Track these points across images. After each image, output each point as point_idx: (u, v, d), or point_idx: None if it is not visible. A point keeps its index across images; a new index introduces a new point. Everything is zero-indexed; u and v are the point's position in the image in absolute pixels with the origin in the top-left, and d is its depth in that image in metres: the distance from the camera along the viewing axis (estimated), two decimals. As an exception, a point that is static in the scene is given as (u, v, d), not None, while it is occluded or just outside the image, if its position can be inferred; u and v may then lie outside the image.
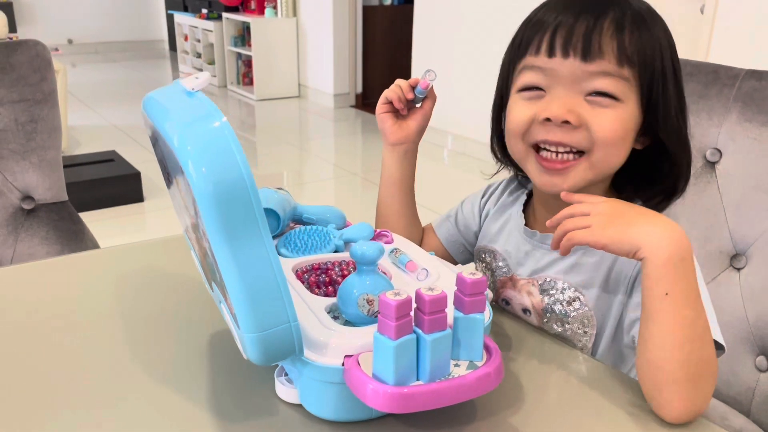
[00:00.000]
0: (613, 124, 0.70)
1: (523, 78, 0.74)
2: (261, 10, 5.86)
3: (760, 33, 2.64)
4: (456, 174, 3.89)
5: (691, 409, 0.61)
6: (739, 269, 1.05)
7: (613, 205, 0.66)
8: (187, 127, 0.50)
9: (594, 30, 0.69)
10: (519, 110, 0.75)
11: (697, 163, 1.09)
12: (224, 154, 0.48)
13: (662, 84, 0.72)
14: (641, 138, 0.75)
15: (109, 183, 3.18)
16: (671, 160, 0.76)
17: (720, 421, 1.01)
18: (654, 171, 0.77)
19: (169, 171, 0.61)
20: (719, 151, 1.07)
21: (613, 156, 0.72)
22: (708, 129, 1.08)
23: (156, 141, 0.62)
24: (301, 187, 3.75)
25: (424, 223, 0.97)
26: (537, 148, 0.75)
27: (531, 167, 0.76)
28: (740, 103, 1.05)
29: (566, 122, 0.70)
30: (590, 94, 0.71)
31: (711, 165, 1.08)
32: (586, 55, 0.69)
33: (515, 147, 0.77)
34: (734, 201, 1.05)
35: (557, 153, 0.73)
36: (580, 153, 0.73)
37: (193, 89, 0.54)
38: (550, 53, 0.71)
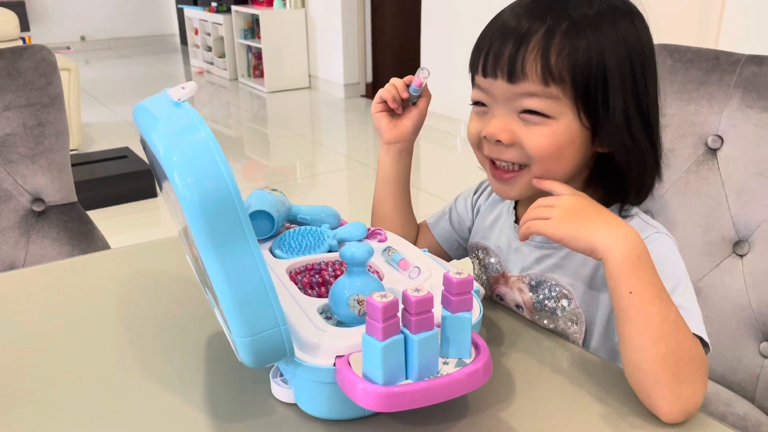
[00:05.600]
0: (543, 142, 0.72)
1: (473, 94, 0.77)
2: (270, 2, 5.86)
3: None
4: (469, 161, 3.87)
5: (681, 409, 0.61)
6: (742, 256, 1.05)
7: (575, 201, 0.68)
8: (172, 138, 0.51)
9: (519, 52, 0.70)
10: (471, 125, 0.78)
11: (698, 151, 1.09)
12: (209, 165, 0.49)
13: (603, 94, 0.71)
14: (601, 142, 0.74)
15: (123, 179, 3.21)
16: (620, 166, 0.75)
17: (724, 408, 1.01)
18: (611, 174, 0.77)
19: (159, 176, 0.62)
20: (721, 137, 1.07)
21: (553, 168, 0.74)
22: (709, 116, 1.08)
23: (145, 146, 0.64)
24: (313, 179, 3.76)
25: (419, 219, 0.98)
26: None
27: (488, 175, 0.80)
28: (741, 89, 1.05)
29: (499, 141, 0.73)
30: (523, 111, 0.72)
31: (713, 152, 1.08)
32: (511, 77, 0.71)
33: (476, 156, 0.81)
34: (736, 187, 1.05)
35: (504, 164, 0.76)
36: (525, 164, 0.75)
37: (179, 99, 0.55)
38: (484, 74, 0.74)
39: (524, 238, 0.70)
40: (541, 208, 0.69)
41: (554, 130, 0.71)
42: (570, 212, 0.67)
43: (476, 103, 0.77)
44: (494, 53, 0.72)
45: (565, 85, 0.70)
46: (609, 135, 0.72)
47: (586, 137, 0.73)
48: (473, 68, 0.76)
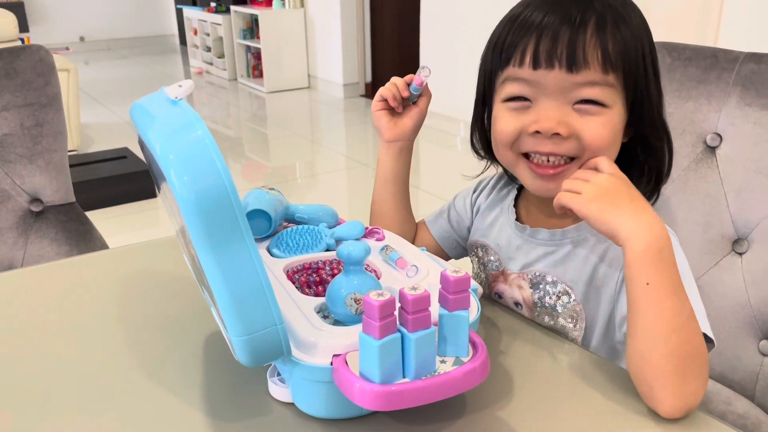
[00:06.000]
0: (602, 131, 0.71)
1: (508, 89, 0.74)
2: (269, 2, 5.85)
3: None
4: (469, 161, 3.87)
5: (682, 404, 0.61)
6: (741, 254, 1.05)
7: (611, 181, 0.67)
8: (169, 137, 0.51)
9: (578, 40, 0.68)
10: (506, 122, 0.74)
11: (697, 149, 1.09)
12: (205, 163, 0.49)
13: (645, 81, 0.72)
14: (636, 129, 0.76)
15: (122, 180, 3.21)
16: (652, 151, 0.76)
17: (724, 406, 1.01)
18: (636, 161, 0.78)
19: (156, 176, 0.62)
20: (719, 135, 1.07)
21: None
22: (708, 114, 1.08)
23: (143, 145, 0.63)
24: (313, 179, 3.76)
25: (418, 218, 0.97)
26: (526, 154, 0.75)
27: (522, 173, 0.77)
28: (740, 87, 1.04)
29: (556, 134, 0.71)
30: (578, 102, 0.71)
31: (711, 150, 1.07)
32: (572, 67, 0.69)
33: (504, 155, 0.77)
34: (735, 186, 1.05)
35: (548, 159, 0.73)
36: (572, 157, 0.73)
37: (176, 98, 0.55)
38: (535, 65, 0.70)
39: (558, 208, 0.69)
40: (577, 181, 0.68)
41: (609, 119, 0.71)
42: (602, 192, 0.65)
43: (514, 98, 0.74)
44: (548, 44, 0.69)
45: (618, 72, 0.70)
46: (647, 120, 0.73)
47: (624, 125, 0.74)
48: (509, 62, 0.72)
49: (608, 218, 0.64)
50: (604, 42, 0.69)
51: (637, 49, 0.71)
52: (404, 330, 0.53)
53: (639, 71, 0.72)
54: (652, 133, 0.75)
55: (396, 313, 0.53)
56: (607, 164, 0.69)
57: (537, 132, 0.72)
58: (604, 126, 0.71)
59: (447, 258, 0.95)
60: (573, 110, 0.71)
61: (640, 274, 0.62)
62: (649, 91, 0.73)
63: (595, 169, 0.70)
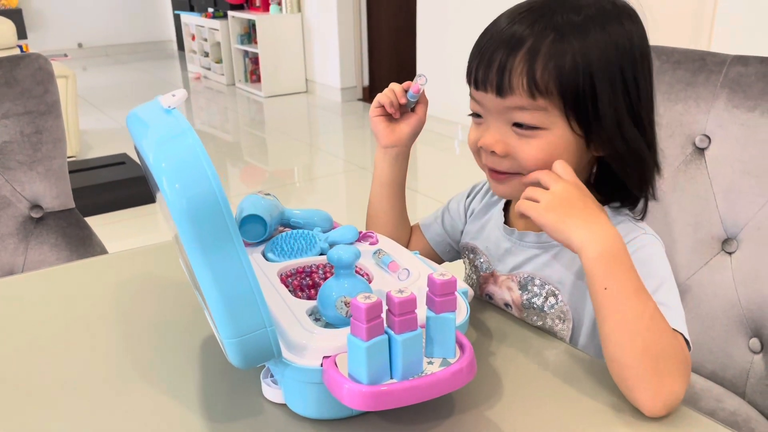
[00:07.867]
0: (537, 153, 0.73)
1: (470, 104, 0.79)
2: (266, 7, 5.88)
3: (763, 18, 2.61)
4: (467, 164, 3.89)
5: (662, 403, 0.62)
6: (730, 253, 1.06)
7: (567, 191, 0.69)
8: (161, 145, 0.53)
9: (506, 65, 0.71)
10: (471, 133, 0.79)
11: (686, 150, 1.10)
12: (196, 171, 0.51)
13: (592, 102, 0.71)
14: (596, 147, 0.75)
15: (121, 185, 3.23)
16: (623, 168, 0.75)
17: (715, 404, 1.02)
18: (612, 176, 0.77)
19: (152, 185, 0.63)
20: (708, 137, 1.08)
21: None
22: (696, 116, 1.09)
23: (139, 155, 0.65)
24: (312, 183, 3.78)
25: (415, 221, 0.99)
26: None
27: (487, 177, 0.81)
28: (727, 89, 1.06)
29: (494, 152, 0.75)
30: (514, 124, 0.73)
31: (700, 151, 1.09)
32: (500, 91, 0.72)
33: (476, 161, 0.82)
34: (724, 186, 1.06)
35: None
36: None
37: (169, 107, 0.57)
38: (476, 87, 0.75)
39: (518, 214, 0.72)
40: (537, 190, 0.70)
41: (547, 142, 0.72)
42: (558, 201, 0.68)
43: (474, 114, 0.78)
44: (484, 67, 0.73)
45: (552, 96, 0.70)
46: (602, 141, 0.73)
47: (581, 144, 0.74)
48: (467, 80, 0.77)
49: (562, 227, 0.66)
50: (531, 69, 0.70)
51: (577, 70, 0.69)
52: (391, 332, 0.55)
53: (582, 93, 0.70)
54: (607, 153, 0.74)
55: (383, 315, 0.54)
56: (562, 169, 0.71)
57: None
58: (538, 149, 0.73)
59: (440, 261, 0.96)
60: (512, 131, 0.74)
61: (597, 280, 0.64)
62: (599, 113, 0.71)
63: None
